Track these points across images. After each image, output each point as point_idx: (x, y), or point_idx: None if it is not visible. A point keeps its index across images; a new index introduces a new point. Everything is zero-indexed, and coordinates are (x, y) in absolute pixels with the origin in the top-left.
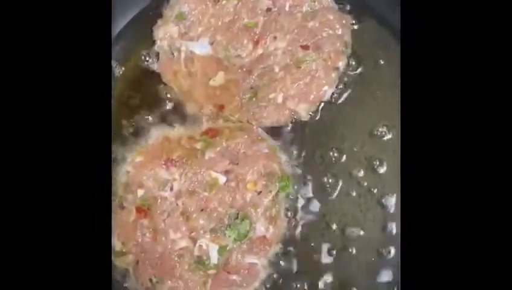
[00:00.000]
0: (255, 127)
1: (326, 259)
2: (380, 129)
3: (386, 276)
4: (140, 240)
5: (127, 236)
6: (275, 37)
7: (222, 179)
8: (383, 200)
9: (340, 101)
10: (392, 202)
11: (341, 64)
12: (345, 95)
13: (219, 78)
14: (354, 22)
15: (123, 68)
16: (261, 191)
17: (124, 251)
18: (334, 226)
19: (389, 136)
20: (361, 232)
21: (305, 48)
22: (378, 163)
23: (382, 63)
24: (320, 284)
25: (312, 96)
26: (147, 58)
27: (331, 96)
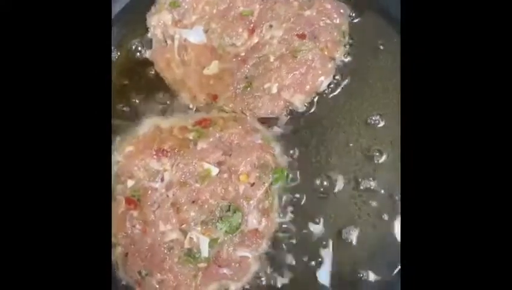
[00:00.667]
0: (249, 118)
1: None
2: (374, 118)
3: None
4: (129, 231)
5: (116, 227)
6: (271, 26)
7: (214, 170)
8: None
9: (336, 92)
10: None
11: (338, 54)
12: (342, 85)
13: (213, 67)
14: (352, 12)
15: (116, 54)
16: (254, 183)
17: (113, 242)
18: (331, 221)
19: (381, 124)
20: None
21: (301, 36)
22: (376, 153)
23: (381, 50)
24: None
25: (308, 87)
26: (139, 47)
27: (328, 87)
